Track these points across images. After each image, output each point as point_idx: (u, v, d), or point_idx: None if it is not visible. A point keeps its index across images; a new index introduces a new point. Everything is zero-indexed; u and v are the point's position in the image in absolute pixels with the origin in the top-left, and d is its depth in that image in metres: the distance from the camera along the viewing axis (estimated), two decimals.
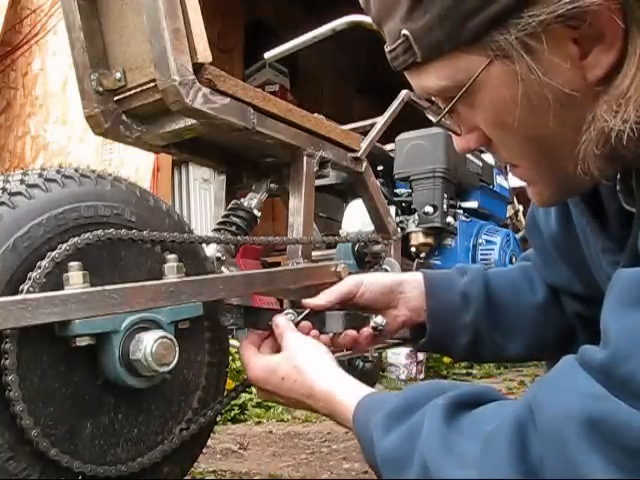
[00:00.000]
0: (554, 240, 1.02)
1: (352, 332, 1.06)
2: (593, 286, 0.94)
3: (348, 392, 0.87)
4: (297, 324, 1.01)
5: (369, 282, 1.08)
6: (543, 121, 0.72)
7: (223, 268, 1.47)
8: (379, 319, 1.06)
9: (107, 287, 1.02)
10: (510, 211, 3.03)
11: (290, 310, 1.02)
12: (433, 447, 0.70)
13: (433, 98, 0.80)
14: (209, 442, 1.40)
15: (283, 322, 1.02)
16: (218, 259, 1.47)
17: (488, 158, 2.84)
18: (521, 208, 3.11)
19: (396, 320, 1.10)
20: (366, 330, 1.07)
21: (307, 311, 1.00)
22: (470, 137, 0.80)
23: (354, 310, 1.08)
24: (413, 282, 1.10)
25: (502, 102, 0.72)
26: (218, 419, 2.22)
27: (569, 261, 1.01)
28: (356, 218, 2.34)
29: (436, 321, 1.09)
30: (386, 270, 1.80)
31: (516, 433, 0.64)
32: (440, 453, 0.69)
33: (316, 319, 1.03)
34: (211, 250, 1.46)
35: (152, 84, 1.35)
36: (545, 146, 0.75)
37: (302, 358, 0.93)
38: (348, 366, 2.41)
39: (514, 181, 2.90)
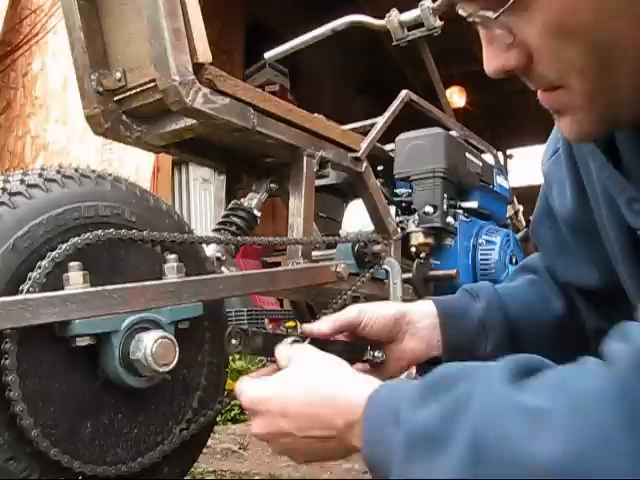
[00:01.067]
0: (570, 220, 0.92)
1: (356, 366, 0.92)
2: (613, 277, 0.87)
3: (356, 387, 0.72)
4: None
5: (373, 313, 0.95)
6: (615, 22, 0.61)
7: (223, 268, 1.47)
8: (378, 353, 0.95)
9: (107, 287, 1.02)
10: (510, 211, 3.03)
11: (296, 337, 0.93)
12: (493, 413, 0.53)
13: (464, 11, 0.67)
14: (209, 442, 1.40)
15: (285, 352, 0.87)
16: (218, 259, 1.47)
17: (488, 158, 2.84)
18: (521, 208, 3.11)
19: (402, 356, 0.96)
20: (357, 366, 0.92)
21: (307, 340, 0.91)
22: (509, 55, 0.66)
23: (357, 341, 0.97)
24: (421, 311, 0.98)
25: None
26: (218, 419, 2.22)
27: (587, 244, 0.92)
28: (356, 218, 2.34)
29: (454, 354, 0.95)
30: (386, 270, 1.80)
31: (618, 390, 0.49)
32: (508, 416, 0.52)
33: (317, 347, 0.91)
34: (211, 250, 1.46)
35: (152, 84, 1.35)
36: (610, 55, 0.63)
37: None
38: None
39: (514, 181, 2.90)
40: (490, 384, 0.56)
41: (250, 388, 0.78)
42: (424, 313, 0.98)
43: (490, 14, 0.64)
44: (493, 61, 0.68)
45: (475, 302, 1.00)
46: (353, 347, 0.95)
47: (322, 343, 0.90)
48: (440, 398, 0.59)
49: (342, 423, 0.69)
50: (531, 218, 1.09)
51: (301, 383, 0.74)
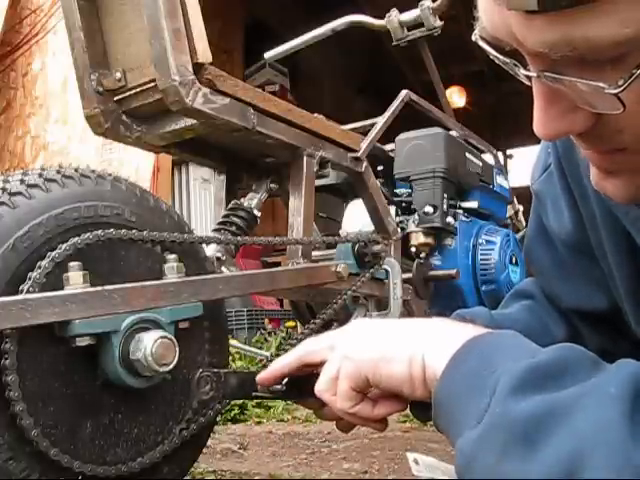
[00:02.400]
0: (570, 241, 0.89)
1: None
2: (615, 295, 0.84)
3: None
4: (281, 395, 0.83)
5: None
6: None
7: (223, 268, 1.47)
8: None
9: (107, 287, 1.02)
10: (510, 211, 3.03)
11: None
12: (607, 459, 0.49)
13: (527, 63, 0.57)
14: (209, 442, 1.40)
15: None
16: (218, 259, 1.47)
17: (488, 158, 2.84)
18: (521, 208, 3.11)
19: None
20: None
21: (285, 380, 0.84)
22: (577, 117, 0.57)
23: None
24: None
25: None
26: (218, 419, 2.22)
27: (589, 265, 0.88)
28: (356, 218, 2.34)
29: None
30: (386, 270, 1.80)
31: None
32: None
33: (303, 382, 0.85)
34: (211, 250, 1.46)
35: (152, 84, 1.35)
36: None
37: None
38: None
39: (514, 181, 2.90)
40: (605, 409, 0.51)
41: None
42: None
43: (603, 85, 0.52)
44: (554, 125, 0.58)
45: None
46: None
47: (303, 379, 0.84)
48: (546, 389, 0.55)
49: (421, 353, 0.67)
50: (524, 240, 1.03)
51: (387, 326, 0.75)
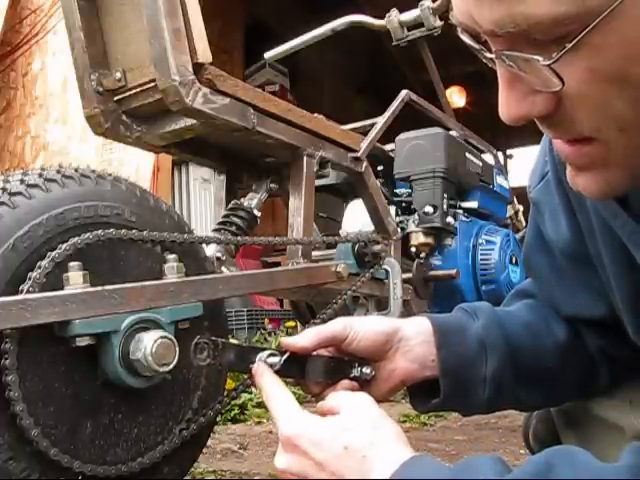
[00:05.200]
0: (568, 250, 0.88)
1: (343, 384, 0.86)
2: (614, 304, 0.83)
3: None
4: (278, 370, 0.82)
5: (360, 328, 0.86)
6: None
7: (223, 268, 1.47)
8: (366, 369, 0.86)
9: (107, 287, 1.02)
10: (510, 211, 3.03)
11: (273, 350, 0.84)
12: None
13: (484, 39, 0.59)
14: (209, 442, 1.40)
15: (263, 369, 0.81)
16: (218, 259, 1.47)
17: (488, 158, 2.84)
18: (521, 208, 3.11)
19: (392, 376, 0.88)
20: (345, 383, 0.85)
21: (287, 354, 0.82)
22: (536, 100, 0.58)
23: (342, 357, 0.88)
24: (415, 328, 0.90)
25: (638, 44, 0.52)
26: (218, 419, 2.22)
27: (588, 273, 0.87)
28: (356, 218, 2.34)
29: (452, 376, 0.88)
30: (386, 270, 1.80)
31: None
32: None
33: (295, 363, 0.84)
34: (211, 250, 1.46)
35: (152, 84, 1.35)
36: None
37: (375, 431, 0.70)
38: None
39: (514, 181, 2.90)
40: None
41: (294, 423, 0.73)
42: (418, 330, 0.89)
43: (538, 58, 0.54)
44: (515, 107, 0.59)
45: (473, 321, 0.92)
46: (337, 363, 0.86)
47: (302, 358, 0.83)
48: None
49: None
50: (523, 247, 1.02)
51: (342, 436, 0.69)
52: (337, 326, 0.86)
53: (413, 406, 0.92)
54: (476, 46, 0.61)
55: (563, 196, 0.85)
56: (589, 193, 0.65)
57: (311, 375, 0.84)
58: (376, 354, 0.87)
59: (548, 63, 0.53)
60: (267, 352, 0.82)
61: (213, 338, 0.79)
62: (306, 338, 0.84)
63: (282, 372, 0.82)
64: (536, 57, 0.54)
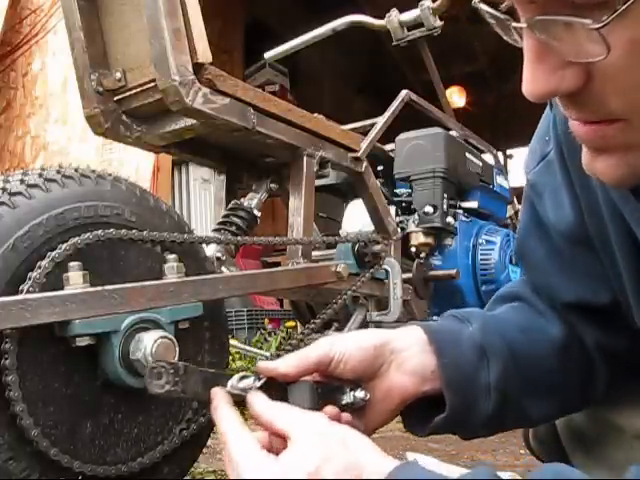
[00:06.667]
0: (571, 233, 0.83)
1: (327, 410, 0.72)
2: (616, 287, 0.80)
3: None
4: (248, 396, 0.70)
5: (343, 348, 0.75)
6: None
7: (223, 268, 1.47)
8: (359, 393, 0.75)
9: (107, 287, 1.02)
10: (510, 211, 3.04)
11: (247, 374, 0.72)
12: None
13: (523, 13, 0.55)
14: (209, 442, 1.40)
15: (219, 401, 0.70)
16: (218, 259, 1.47)
17: (488, 158, 2.84)
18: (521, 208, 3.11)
19: (390, 395, 0.77)
20: (330, 410, 0.72)
21: (263, 380, 0.71)
22: (566, 74, 0.54)
23: (331, 380, 0.76)
24: (407, 338, 0.81)
25: None
26: None
27: (591, 258, 0.83)
28: (356, 218, 2.35)
29: (456, 387, 0.79)
30: (386, 270, 1.80)
31: None
32: None
33: (275, 389, 0.72)
34: (211, 250, 1.46)
35: (152, 84, 1.35)
36: None
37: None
38: None
39: (514, 181, 2.90)
40: None
41: (253, 463, 0.63)
42: (411, 340, 0.80)
43: (587, 21, 0.50)
44: (543, 82, 0.55)
45: (467, 326, 0.85)
46: (325, 389, 0.74)
47: (283, 385, 0.72)
48: None
49: None
50: (516, 233, 0.97)
51: (323, 469, 0.60)
52: (321, 350, 0.75)
53: (410, 431, 0.83)
54: (500, 16, 0.57)
55: (566, 176, 0.81)
56: (608, 178, 0.61)
57: (294, 404, 0.72)
58: (367, 373, 0.77)
59: (598, 26, 0.49)
60: (238, 375, 0.71)
61: (173, 362, 0.68)
62: (286, 364, 0.73)
63: None
64: (584, 20, 0.50)
